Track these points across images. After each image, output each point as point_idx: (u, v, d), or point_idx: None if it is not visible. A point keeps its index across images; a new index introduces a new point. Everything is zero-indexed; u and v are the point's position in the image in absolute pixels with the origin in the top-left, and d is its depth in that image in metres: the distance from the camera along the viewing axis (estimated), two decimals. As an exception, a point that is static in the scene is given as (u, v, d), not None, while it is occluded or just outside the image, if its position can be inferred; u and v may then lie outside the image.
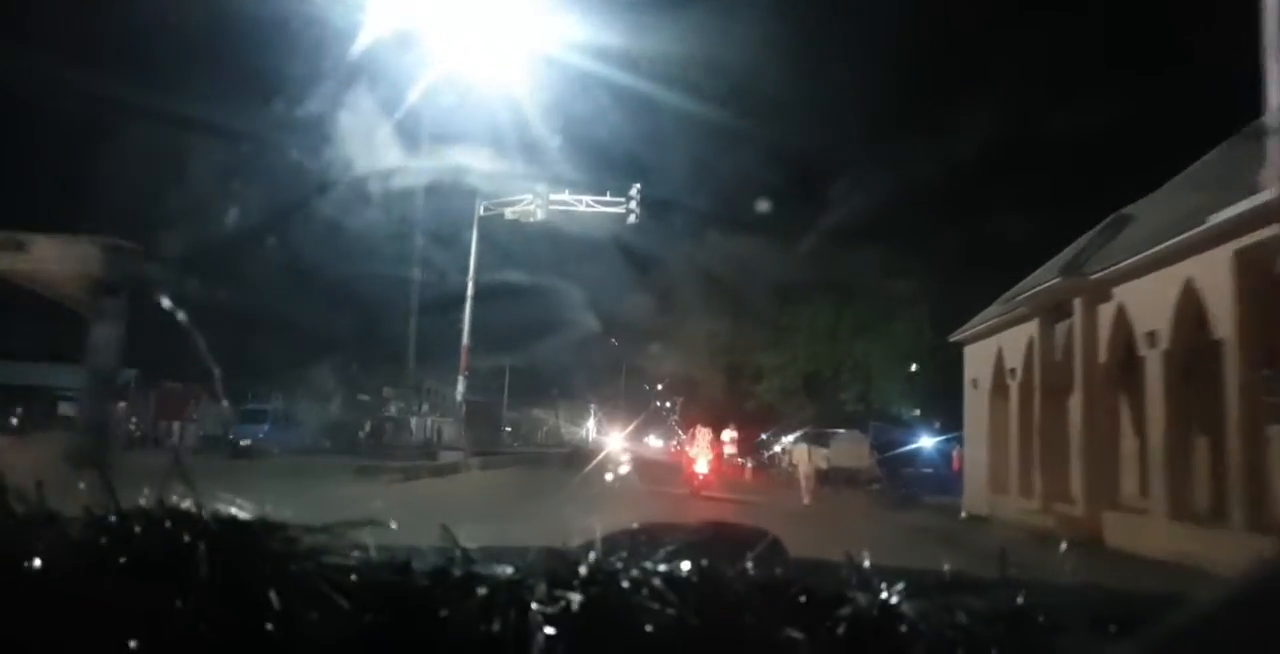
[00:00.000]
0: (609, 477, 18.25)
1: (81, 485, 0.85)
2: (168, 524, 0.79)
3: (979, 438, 18.25)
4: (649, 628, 0.73)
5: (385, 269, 25.93)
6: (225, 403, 26.54)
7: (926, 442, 27.49)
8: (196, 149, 20.80)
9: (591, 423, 56.58)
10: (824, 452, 24.91)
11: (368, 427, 39.14)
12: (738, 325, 35.82)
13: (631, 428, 44.28)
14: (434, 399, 41.63)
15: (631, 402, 49.98)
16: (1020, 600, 0.85)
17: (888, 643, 0.77)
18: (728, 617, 0.76)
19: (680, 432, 37.04)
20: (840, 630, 0.76)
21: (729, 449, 24.79)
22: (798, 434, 29.26)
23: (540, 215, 23.95)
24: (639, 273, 37.67)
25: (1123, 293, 12.57)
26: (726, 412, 36.11)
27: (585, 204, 24.43)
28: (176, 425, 32.68)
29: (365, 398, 42.56)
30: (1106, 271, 12.78)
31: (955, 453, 25.87)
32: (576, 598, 0.75)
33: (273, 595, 0.73)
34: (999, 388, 17.46)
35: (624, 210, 24.25)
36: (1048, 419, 14.76)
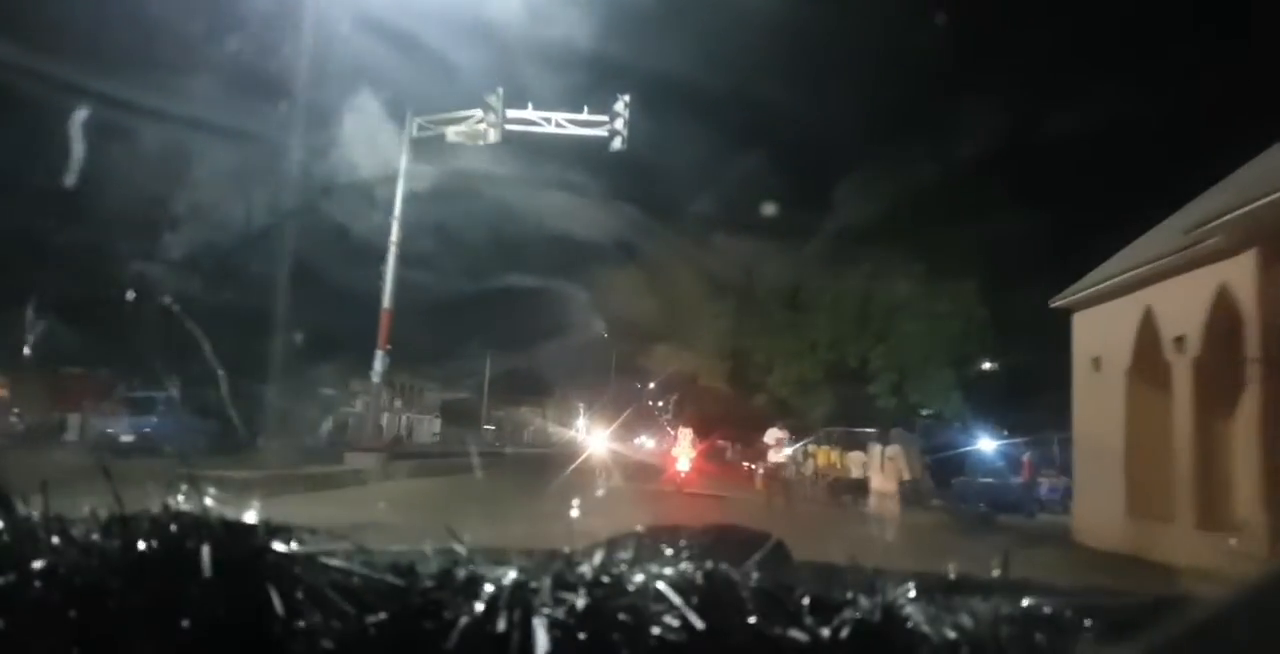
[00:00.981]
0: (596, 490, 13.10)
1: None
2: (172, 527, 0.82)
3: (1105, 438, 14.42)
4: (654, 631, 0.77)
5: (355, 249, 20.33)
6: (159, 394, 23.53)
7: (986, 444, 21.79)
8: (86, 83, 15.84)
9: (581, 422, 51.68)
10: (861, 457, 20.68)
11: (329, 423, 34.21)
12: (745, 306, 29.89)
13: (624, 428, 39.40)
14: (409, 394, 37.00)
15: (623, 399, 45.06)
16: (1025, 603, 0.87)
17: (892, 646, 0.79)
18: (732, 620, 0.78)
19: (672, 432, 31.39)
20: (844, 633, 0.79)
21: (774, 456, 18.68)
22: (787, 434, 23.25)
23: (494, 137, 18.33)
24: (627, 239, 32.10)
25: None
26: (730, 408, 30.36)
27: (555, 123, 18.73)
28: (77, 418, 26.87)
29: (329, 392, 37.85)
30: None
31: (1026, 459, 20.38)
32: (581, 600, 0.78)
33: (277, 598, 0.77)
34: (1147, 366, 13.74)
35: (606, 133, 18.14)
36: (1273, 409, 8.94)
